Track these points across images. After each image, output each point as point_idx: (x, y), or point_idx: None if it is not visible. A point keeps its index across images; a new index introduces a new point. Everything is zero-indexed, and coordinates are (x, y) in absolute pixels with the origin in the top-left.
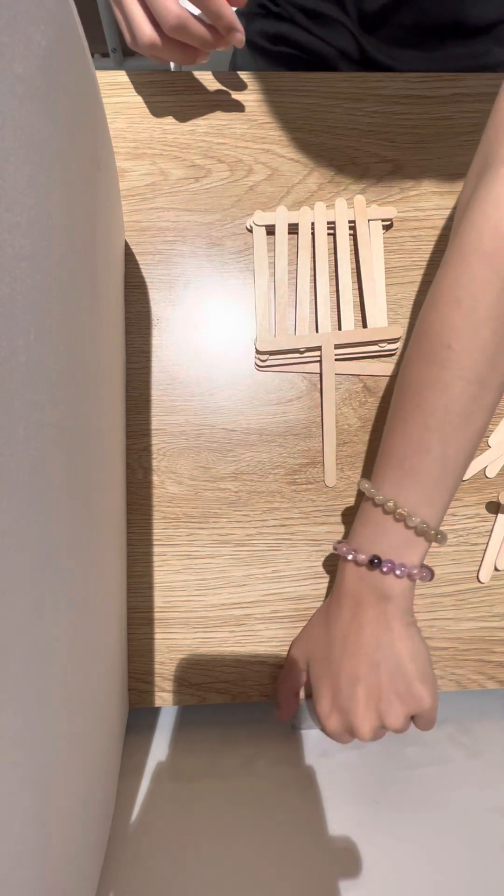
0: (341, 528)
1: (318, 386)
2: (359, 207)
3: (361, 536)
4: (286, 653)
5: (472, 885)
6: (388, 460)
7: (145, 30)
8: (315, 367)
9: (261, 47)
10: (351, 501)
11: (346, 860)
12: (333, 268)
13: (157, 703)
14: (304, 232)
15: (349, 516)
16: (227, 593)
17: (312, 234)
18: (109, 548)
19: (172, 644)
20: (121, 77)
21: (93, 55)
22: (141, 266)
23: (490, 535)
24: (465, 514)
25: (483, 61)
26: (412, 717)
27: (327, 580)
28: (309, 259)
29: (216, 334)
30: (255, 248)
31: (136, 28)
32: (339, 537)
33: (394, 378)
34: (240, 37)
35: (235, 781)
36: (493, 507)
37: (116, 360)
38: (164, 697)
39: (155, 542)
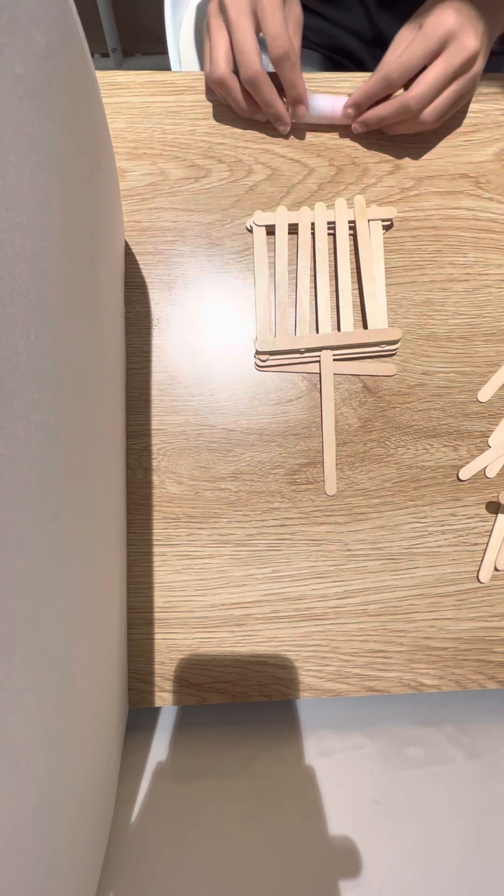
0: (341, 528)
1: (318, 386)
2: (359, 207)
3: None
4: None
5: (472, 884)
6: None
7: (222, 66)
8: (315, 368)
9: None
10: (351, 501)
11: (346, 860)
12: (333, 268)
13: (157, 703)
14: (304, 232)
15: (349, 516)
16: (227, 593)
17: (312, 234)
18: (110, 548)
19: (172, 644)
20: (121, 77)
21: (93, 55)
22: (141, 266)
23: (490, 535)
24: (465, 514)
25: None
26: None
27: (327, 580)
28: (309, 259)
29: (216, 334)
30: (255, 248)
31: (215, 62)
32: (340, 537)
33: (394, 378)
34: (301, 111)
35: (235, 781)
36: (493, 507)
37: (116, 360)
38: (164, 697)
39: (155, 542)
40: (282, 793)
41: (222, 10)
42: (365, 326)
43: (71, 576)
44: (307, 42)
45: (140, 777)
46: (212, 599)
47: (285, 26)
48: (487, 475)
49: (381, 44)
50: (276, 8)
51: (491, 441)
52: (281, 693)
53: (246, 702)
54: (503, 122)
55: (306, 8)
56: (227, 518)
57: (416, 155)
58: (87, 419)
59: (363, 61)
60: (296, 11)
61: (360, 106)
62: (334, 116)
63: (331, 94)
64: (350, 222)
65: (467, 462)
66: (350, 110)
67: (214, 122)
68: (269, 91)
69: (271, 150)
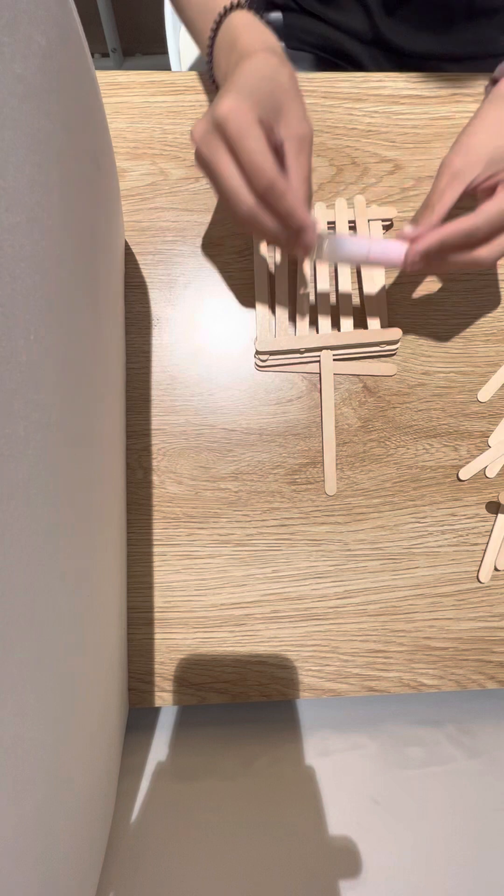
0: (341, 528)
1: (318, 386)
2: (359, 207)
3: None
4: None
5: (472, 884)
6: None
7: (237, 219)
8: (315, 368)
9: None
10: (351, 501)
11: (346, 860)
12: (333, 268)
13: (157, 703)
14: None
15: (349, 516)
16: (227, 593)
17: None
18: (109, 547)
19: (172, 644)
20: (121, 77)
21: (93, 55)
22: (141, 266)
23: (490, 535)
24: (465, 514)
25: (488, 48)
26: None
27: (327, 580)
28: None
29: (216, 334)
30: (255, 248)
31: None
32: (340, 537)
33: (394, 378)
34: (308, 238)
35: (235, 781)
36: (493, 507)
37: (116, 360)
38: (164, 697)
39: (155, 542)
40: (282, 793)
41: (198, 157)
42: (365, 326)
43: (71, 575)
44: (302, 43)
45: (140, 777)
46: (212, 599)
47: (263, 152)
48: (487, 475)
49: (380, 45)
50: (246, 135)
51: (491, 441)
52: (281, 693)
53: (246, 702)
54: None
55: (303, 10)
56: (227, 518)
57: (416, 155)
58: (87, 419)
59: (361, 62)
60: (297, 129)
61: (432, 255)
62: (391, 259)
63: (360, 233)
64: (350, 222)
65: (467, 462)
66: (419, 259)
67: None
68: (262, 226)
69: None
